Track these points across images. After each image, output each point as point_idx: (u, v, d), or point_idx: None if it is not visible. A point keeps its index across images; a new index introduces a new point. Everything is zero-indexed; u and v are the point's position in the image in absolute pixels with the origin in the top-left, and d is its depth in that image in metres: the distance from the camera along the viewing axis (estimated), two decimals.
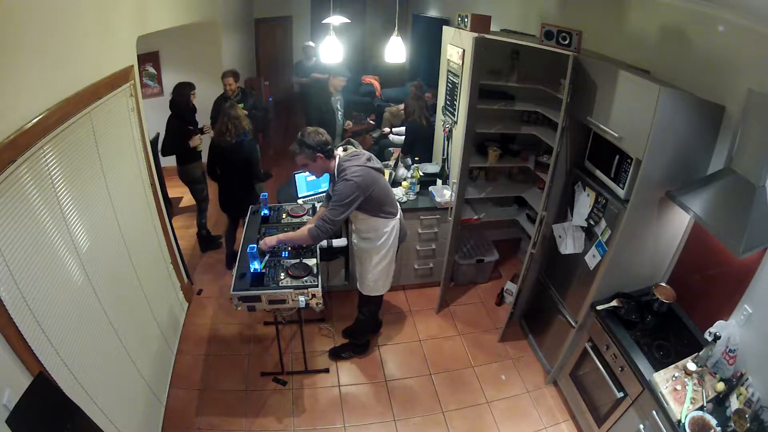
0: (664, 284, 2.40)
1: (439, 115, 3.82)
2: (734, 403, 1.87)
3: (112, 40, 2.40)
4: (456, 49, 3.28)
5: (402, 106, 5.00)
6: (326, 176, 3.51)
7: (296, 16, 7.96)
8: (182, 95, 3.78)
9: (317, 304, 2.42)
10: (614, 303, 2.41)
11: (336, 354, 3.16)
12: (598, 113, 2.37)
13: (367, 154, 2.59)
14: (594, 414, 2.50)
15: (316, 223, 2.42)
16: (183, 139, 3.81)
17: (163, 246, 3.12)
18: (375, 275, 2.78)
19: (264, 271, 2.45)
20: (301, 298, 2.35)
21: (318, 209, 2.89)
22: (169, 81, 4.91)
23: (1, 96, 1.45)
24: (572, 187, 2.72)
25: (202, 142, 3.91)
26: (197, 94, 4.01)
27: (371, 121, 6.56)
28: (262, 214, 2.99)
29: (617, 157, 2.31)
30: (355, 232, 2.79)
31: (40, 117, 1.63)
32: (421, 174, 3.61)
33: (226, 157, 3.46)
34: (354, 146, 2.64)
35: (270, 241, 2.52)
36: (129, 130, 2.65)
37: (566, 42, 2.40)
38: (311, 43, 6.14)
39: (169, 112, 3.82)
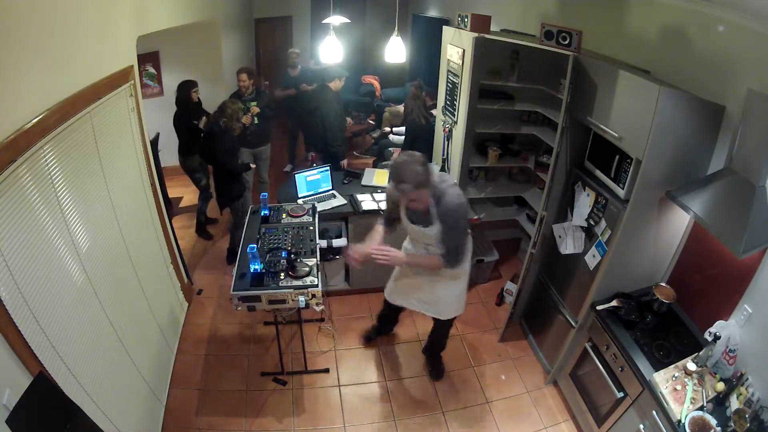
0: (664, 284, 2.40)
1: (439, 115, 3.82)
2: (734, 403, 1.87)
3: (112, 40, 2.40)
4: (456, 49, 3.28)
5: (402, 107, 5.01)
6: (327, 177, 3.57)
7: (296, 16, 7.96)
8: (182, 92, 3.92)
9: (317, 304, 2.42)
10: (614, 303, 2.41)
11: (439, 373, 3.04)
12: (598, 113, 2.37)
13: (444, 173, 2.44)
14: (594, 414, 2.50)
15: (445, 257, 2.27)
16: (188, 132, 3.92)
17: (163, 246, 3.12)
18: (458, 293, 2.57)
19: (264, 271, 2.45)
20: (301, 298, 2.35)
21: (378, 228, 2.54)
22: (169, 81, 4.92)
23: (1, 96, 1.45)
24: (572, 187, 2.72)
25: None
26: (199, 92, 4.05)
27: (371, 121, 6.57)
28: (262, 214, 2.99)
29: (617, 157, 2.32)
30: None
31: (40, 117, 1.63)
32: None
33: (209, 141, 3.56)
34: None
35: (394, 259, 2.28)
36: (129, 130, 2.65)
37: (566, 42, 2.40)
38: (296, 50, 5.51)
39: (172, 115, 3.94)
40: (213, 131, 3.48)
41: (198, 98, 4.10)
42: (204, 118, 4.07)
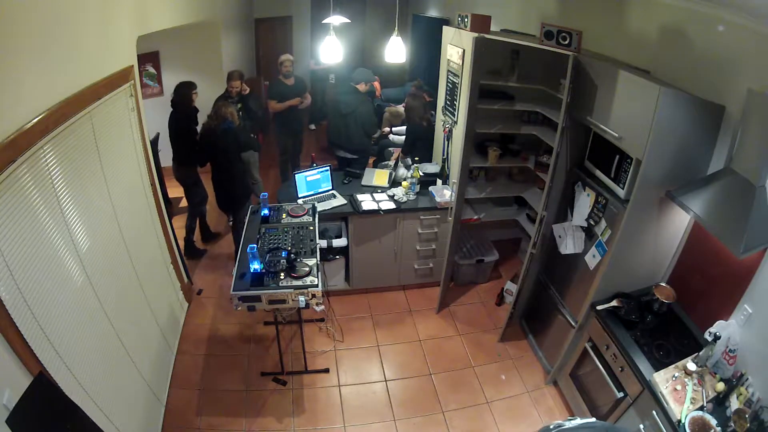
0: (664, 284, 2.40)
1: (439, 115, 3.82)
2: (734, 403, 1.87)
3: (112, 40, 2.40)
4: (456, 49, 3.28)
5: (402, 107, 5.01)
6: (327, 177, 3.57)
7: (296, 16, 7.96)
8: (182, 95, 3.77)
9: (317, 304, 2.42)
10: (614, 303, 2.41)
11: None
12: (598, 113, 2.37)
13: None
14: (594, 414, 2.50)
15: None
16: (187, 138, 3.82)
17: (163, 246, 3.12)
18: None
19: (264, 271, 2.45)
20: (301, 298, 2.35)
21: None
22: (169, 81, 4.90)
23: (1, 96, 1.45)
24: (572, 187, 2.72)
25: None
26: (198, 94, 4.01)
27: None
28: (262, 214, 2.99)
29: (617, 157, 2.32)
30: None
31: (40, 117, 1.63)
32: (421, 174, 3.61)
33: (213, 144, 3.49)
34: None
35: None
36: (129, 130, 2.65)
37: (566, 42, 2.40)
38: (290, 57, 4.65)
39: (169, 115, 3.82)
40: (229, 130, 3.42)
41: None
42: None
